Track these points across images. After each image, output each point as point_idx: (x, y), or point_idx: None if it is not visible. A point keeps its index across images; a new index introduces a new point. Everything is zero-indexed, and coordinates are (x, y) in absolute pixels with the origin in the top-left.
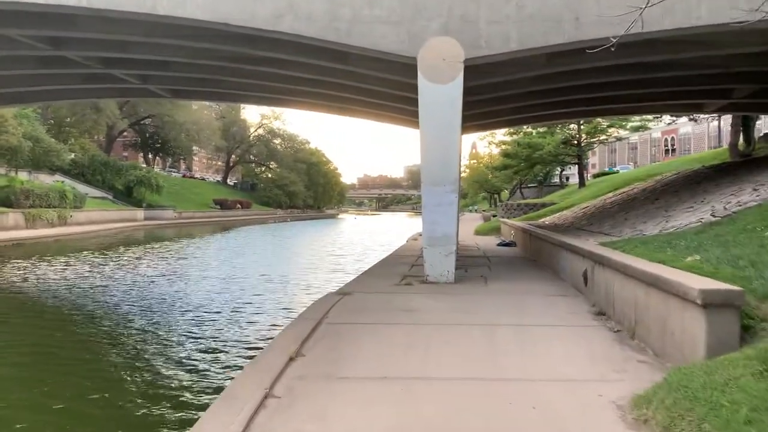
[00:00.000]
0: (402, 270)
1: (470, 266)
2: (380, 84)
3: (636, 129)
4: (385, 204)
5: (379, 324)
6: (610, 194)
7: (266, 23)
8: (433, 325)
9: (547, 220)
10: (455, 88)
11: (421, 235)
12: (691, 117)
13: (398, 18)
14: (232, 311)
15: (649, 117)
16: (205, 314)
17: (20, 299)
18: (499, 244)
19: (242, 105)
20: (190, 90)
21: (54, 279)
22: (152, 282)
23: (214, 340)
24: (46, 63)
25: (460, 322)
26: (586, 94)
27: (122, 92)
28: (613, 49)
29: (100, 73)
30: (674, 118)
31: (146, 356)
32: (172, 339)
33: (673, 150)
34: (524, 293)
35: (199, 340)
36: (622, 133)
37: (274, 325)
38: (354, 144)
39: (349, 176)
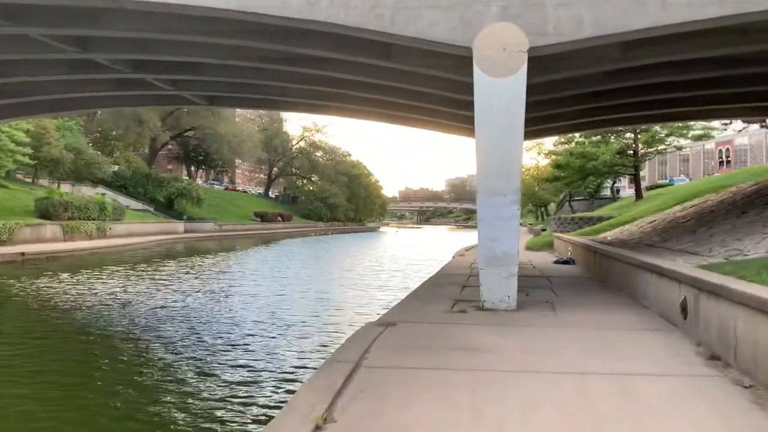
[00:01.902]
0: (452, 292)
1: (530, 288)
2: (429, 84)
3: (698, 138)
4: (426, 217)
5: (432, 370)
6: (678, 207)
7: (299, 12)
8: (504, 372)
9: (608, 235)
10: (518, 82)
11: (467, 249)
12: (764, 123)
13: (449, 2)
14: (267, 337)
15: (714, 125)
16: (237, 340)
17: (39, 317)
18: (555, 262)
19: (284, 118)
20: (225, 96)
21: (79, 296)
22: (181, 300)
23: (244, 373)
24: (75, 68)
25: (538, 368)
26: (658, 94)
27: (155, 99)
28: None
29: (131, 78)
30: (745, 125)
31: (154, 396)
32: (193, 370)
33: (728, 162)
34: (605, 326)
35: (223, 375)
36: (682, 142)
37: (307, 358)
38: (395, 157)
39: (390, 189)
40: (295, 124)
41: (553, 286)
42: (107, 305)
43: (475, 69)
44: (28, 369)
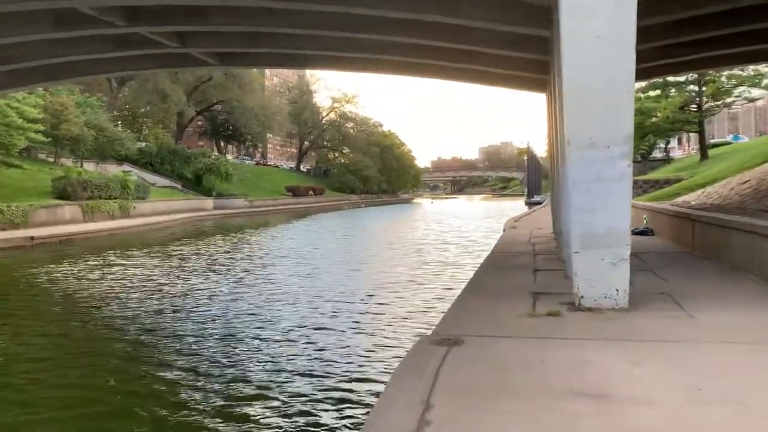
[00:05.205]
0: (523, 281)
1: None
2: (485, 15)
3: None
4: (460, 187)
5: None
6: None
7: None
8: None
9: (689, 198)
10: None
11: (517, 220)
12: None
13: None
14: (296, 338)
15: None
16: (260, 346)
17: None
18: (632, 233)
19: (313, 90)
20: (240, 53)
21: (87, 287)
22: (185, 295)
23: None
24: (61, 22)
25: None
26: None
27: (162, 60)
28: None
29: (128, 35)
30: None
31: None
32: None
33: None
34: None
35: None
36: (755, 93)
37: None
38: (425, 127)
39: (422, 160)
40: (324, 95)
41: (649, 266)
42: (120, 299)
43: None
44: None
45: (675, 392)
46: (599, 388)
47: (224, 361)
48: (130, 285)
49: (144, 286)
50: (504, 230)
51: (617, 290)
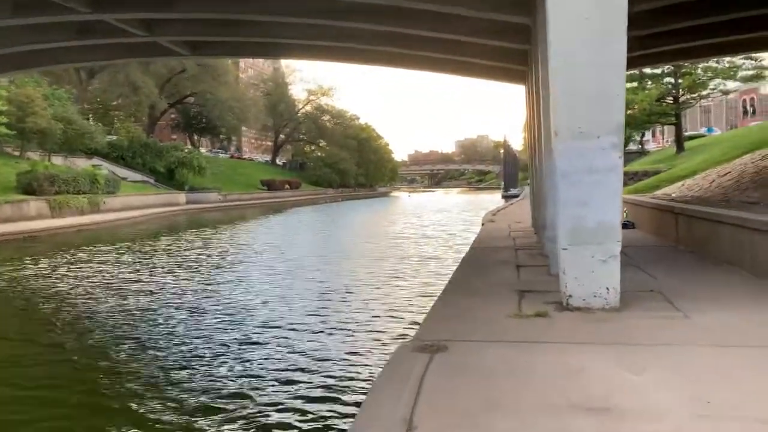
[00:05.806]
0: (507, 278)
1: None
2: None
3: (748, 79)
4: (437, 180)
5: None
6: (753, 156)
7: None
8: None
9: (669, 191)
10: None
11: (494, 214)
12: None
13: None
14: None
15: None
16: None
17: None
18: None
19: (289, 81)
20: (212, 41)
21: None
22: (155, 294)
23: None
24: (22, 9)
25: None
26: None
27: (130, 50)
28: None
29: (93, 22)
30: None
31: None
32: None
33: (753, 112)
34: None
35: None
36: (729, 85)
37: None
38: (403, 121)
39: (399, 153)
40: (300, 87)
41: (634, 261)
42: (84, 300)
43: None
44: None
45: (682, 405)
46: (600, 400)
47: (195, 363)
48: (95, 284)
49: (110, 286)
50: (483, 224)
51: (608, 289)
